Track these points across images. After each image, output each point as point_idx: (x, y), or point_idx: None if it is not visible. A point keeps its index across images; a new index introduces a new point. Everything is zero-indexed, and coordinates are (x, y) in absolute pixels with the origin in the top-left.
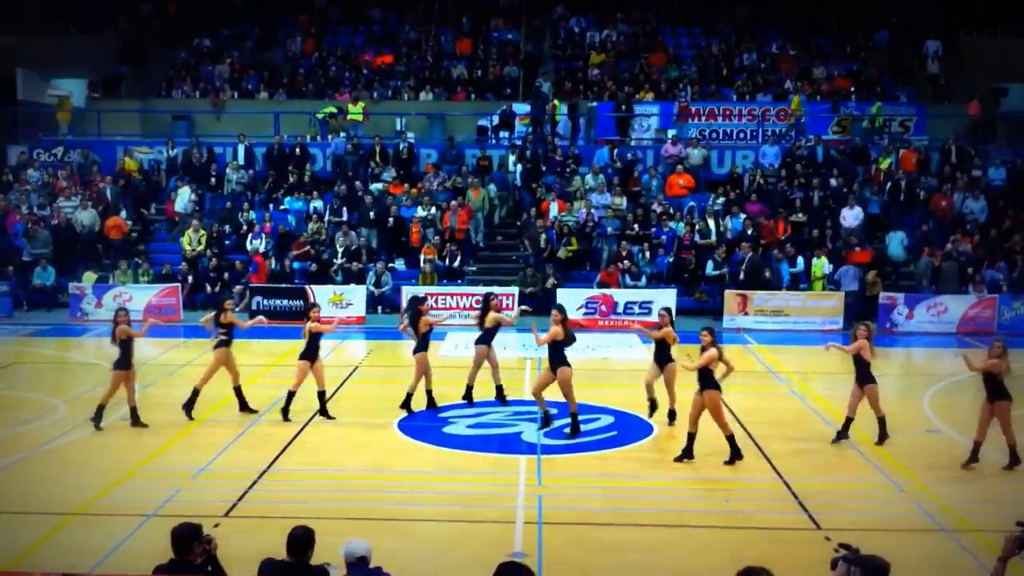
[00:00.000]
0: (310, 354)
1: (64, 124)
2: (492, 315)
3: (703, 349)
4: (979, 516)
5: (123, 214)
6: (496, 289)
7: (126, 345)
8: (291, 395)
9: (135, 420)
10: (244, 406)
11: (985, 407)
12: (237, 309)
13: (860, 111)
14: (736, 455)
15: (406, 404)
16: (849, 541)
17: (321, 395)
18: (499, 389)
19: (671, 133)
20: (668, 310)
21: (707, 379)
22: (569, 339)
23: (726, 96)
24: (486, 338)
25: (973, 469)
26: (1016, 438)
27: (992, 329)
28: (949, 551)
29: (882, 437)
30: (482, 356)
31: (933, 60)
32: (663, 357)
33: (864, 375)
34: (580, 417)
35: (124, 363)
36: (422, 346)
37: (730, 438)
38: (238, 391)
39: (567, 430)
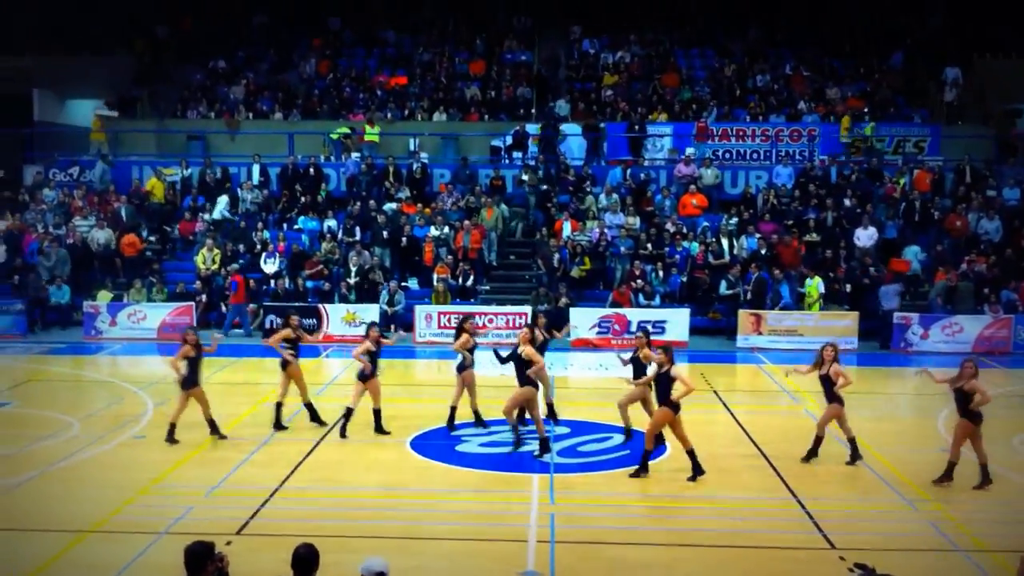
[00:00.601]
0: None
1: (102, 144)
2: (536, 332)
3: (660, 366)
4: (994, 536)
5: (144, 233)
6: (509, 308)
7: (192, 363)
8: (377, 412)
9: (170, 436)
10: (315, 417)
11: (961, 424)
12: (252, 328)
13: (875, 132)
14: (697, 471)
15: (479, 420)
16: (863, 560)
17: (377, 413)
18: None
19: (689, 151)
20: (645, 330)
21: (664, 395)
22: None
23: (739, 117)
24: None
25: (947, 487)
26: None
27: (1008, 349)
28: (964, 571)
29: (809, 455)
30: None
31: (951, 88)
32: (639, 379)
33: (831, 394)
34: (592, 436)
35: (193, 381)
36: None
37: (690, 452)
38: (309, 405)
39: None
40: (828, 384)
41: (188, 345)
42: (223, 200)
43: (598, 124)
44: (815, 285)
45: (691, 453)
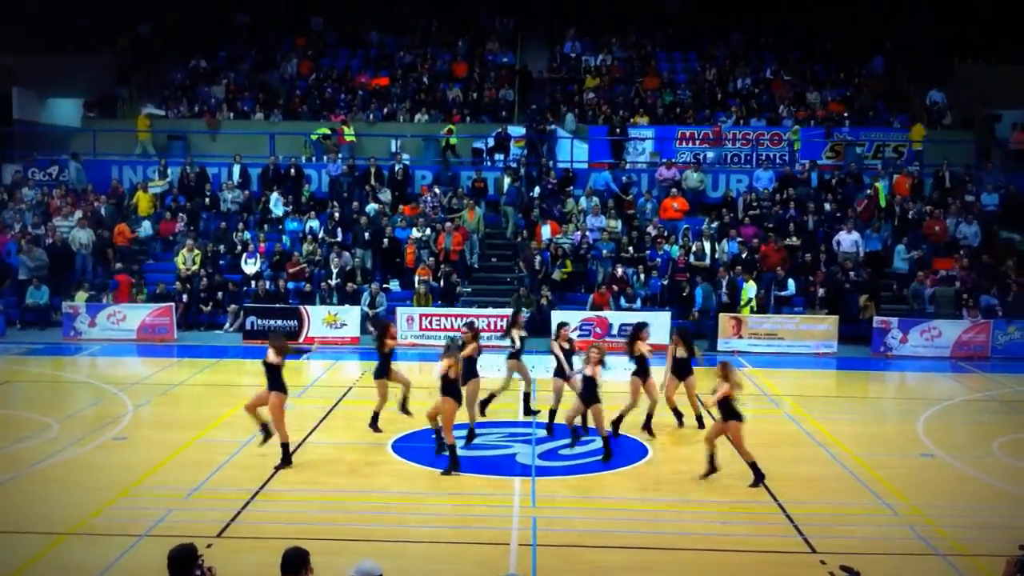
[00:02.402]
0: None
1: (149, 144)
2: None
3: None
4: (973, 540)
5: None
6: (491, 311)
7: (386, 356)
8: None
9: (404, 407)
10: (528, 411)
11: (717, 427)
12: (230, 329)
13: (854, 136)
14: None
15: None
16: (847, 564)
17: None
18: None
19: (709, 155)
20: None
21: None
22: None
23: (719, 120)
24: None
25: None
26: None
27: (986, 354)
28: (944, 575)
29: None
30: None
31: (944, 110)
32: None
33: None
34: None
35: (383, 372)
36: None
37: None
38: (527, 396)
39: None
40: (588, 382)
41: (388, 340)
42: (275, 197)
43: (544, 127)
44: (747, 289)
45: (451, 448)
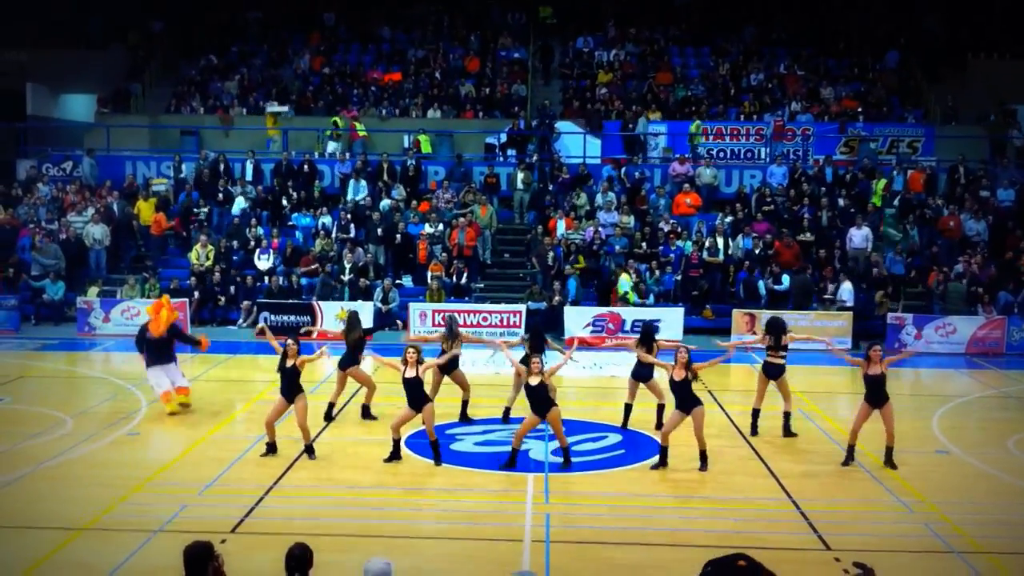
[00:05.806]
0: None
1: (276, 140)
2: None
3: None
4: (989, 537)
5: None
6: (504, 306)
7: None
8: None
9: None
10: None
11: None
12: (243, 325)
13: (868, 132)
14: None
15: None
16: (861, 560)
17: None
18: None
19: (763, 152)
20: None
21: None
22: None
23: (732, 116)
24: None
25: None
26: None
27: (1001, 350)
28: (960, 573)
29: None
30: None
31: (988, 120)
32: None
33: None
34: (587, 435)
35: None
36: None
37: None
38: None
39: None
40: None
41: None
42: (361, 186)
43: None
44: (622, 281)
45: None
